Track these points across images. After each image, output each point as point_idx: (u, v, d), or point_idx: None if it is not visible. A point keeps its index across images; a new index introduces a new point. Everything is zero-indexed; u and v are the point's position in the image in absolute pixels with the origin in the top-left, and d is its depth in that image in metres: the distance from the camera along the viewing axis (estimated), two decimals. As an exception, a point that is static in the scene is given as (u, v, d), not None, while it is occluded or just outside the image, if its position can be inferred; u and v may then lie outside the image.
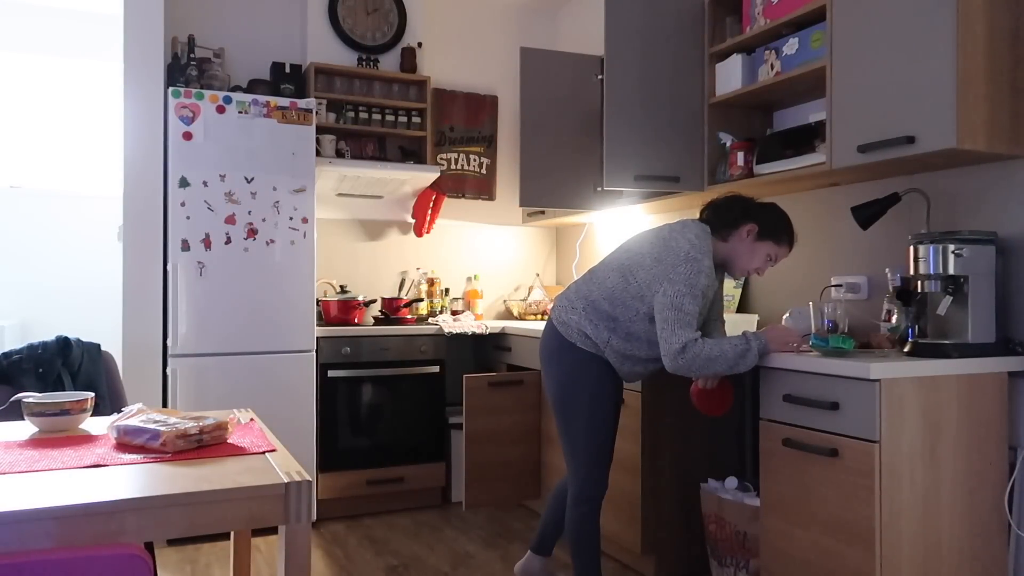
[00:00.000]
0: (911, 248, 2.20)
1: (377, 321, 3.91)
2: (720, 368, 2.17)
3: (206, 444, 1.64)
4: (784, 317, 2.61)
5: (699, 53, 3.03)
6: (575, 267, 4.42)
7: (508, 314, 4.52)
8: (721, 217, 2.37)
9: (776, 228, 2.35)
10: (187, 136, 3.23)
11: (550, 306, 4.25)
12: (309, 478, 1.42)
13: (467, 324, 3.87)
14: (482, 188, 4.46)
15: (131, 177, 3.24)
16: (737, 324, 2.98)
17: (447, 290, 4.31)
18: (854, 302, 2.68)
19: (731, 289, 3.22)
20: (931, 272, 2.14)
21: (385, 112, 3.97)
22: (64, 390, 2.21)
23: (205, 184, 3.26)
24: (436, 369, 3.79)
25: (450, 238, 4.41)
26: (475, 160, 4.44)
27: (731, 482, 2.65)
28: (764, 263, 2.37)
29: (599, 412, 2.36)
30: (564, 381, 2.38)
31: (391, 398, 3.71)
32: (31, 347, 2.26)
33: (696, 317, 2.21)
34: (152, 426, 1.62)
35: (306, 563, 1.39)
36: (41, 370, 2.22)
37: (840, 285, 2.73)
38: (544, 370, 2.47)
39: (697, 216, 2.43)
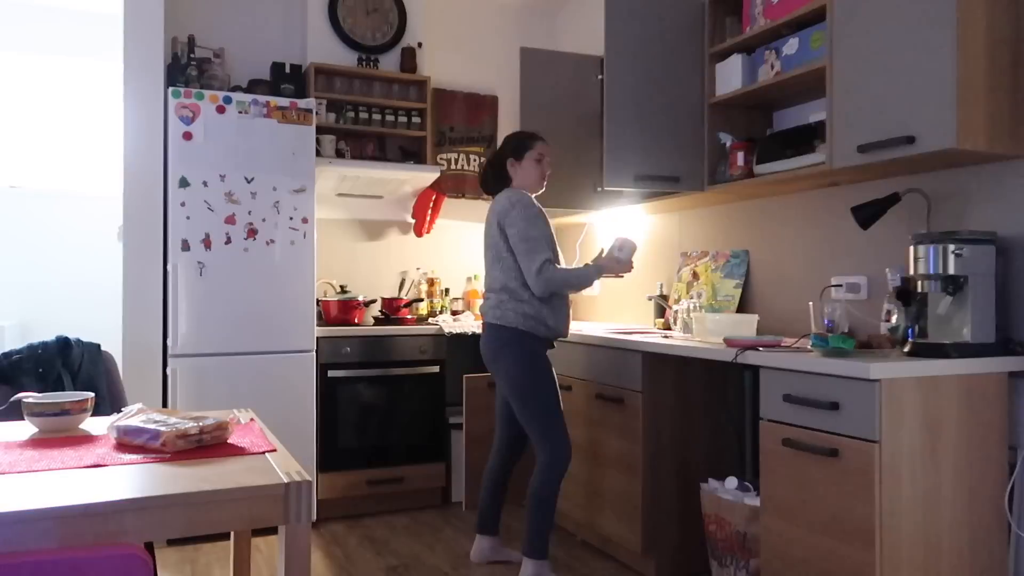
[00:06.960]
0: (911, 248, 2.20)
1: (377, 321, 3.91)
2: (574, 283, 2.66)
3: (206, 444, 1.64)
4: (612, 247, 2.80)
5: (699, 53, 3.03)
6: (575, 267, 4.41)
7: (508, 314, 4.51)
8: (497, 177, 2.86)
9: (519, 145, 2.82)
10: (187, 136, 3.23)
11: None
12: (309, 478, 1.42)
13: (467, 324, 3.87)
14: (482, 188, 4.46)
15: (131, 177, 3.24)
16: (738, 324, 2.97)
17: (447, 290, 4.31)
18: (854, 302, 2.68)
19: (731, 289, 3.22)
20: (931, 272, 2.14)
21: (385, 112, 3.97)
22: (64, 390, 2.21)
23: (205, 184, 3.26)
24: (436, 369, 3.79)
25: (450, 238, 4.41)
26: (475, 160, 4.44)
27: (731, 482, 2.65)
28: (542, 170, 2.83)
29: (545, 385, 2.71)
30: (512, 372, 2.71)
31: (391, 398, 3.70)
32: (31, 347, 2.26)
33: (544, 241, 2.65)
34: (152, 426, 1.62)
35: (306, 563, 1.39)
36: (41, 370, 2.22)
37: (840, 285, 2.73)
38: (492, 369, 2.79)
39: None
